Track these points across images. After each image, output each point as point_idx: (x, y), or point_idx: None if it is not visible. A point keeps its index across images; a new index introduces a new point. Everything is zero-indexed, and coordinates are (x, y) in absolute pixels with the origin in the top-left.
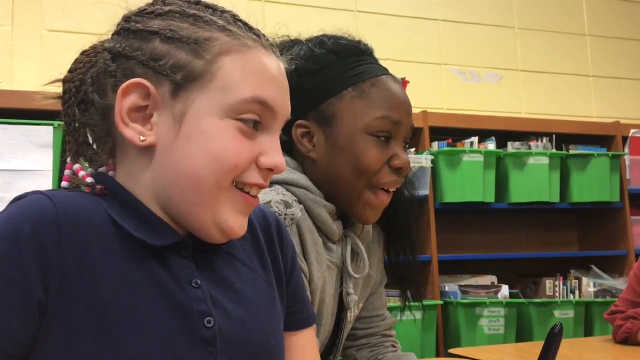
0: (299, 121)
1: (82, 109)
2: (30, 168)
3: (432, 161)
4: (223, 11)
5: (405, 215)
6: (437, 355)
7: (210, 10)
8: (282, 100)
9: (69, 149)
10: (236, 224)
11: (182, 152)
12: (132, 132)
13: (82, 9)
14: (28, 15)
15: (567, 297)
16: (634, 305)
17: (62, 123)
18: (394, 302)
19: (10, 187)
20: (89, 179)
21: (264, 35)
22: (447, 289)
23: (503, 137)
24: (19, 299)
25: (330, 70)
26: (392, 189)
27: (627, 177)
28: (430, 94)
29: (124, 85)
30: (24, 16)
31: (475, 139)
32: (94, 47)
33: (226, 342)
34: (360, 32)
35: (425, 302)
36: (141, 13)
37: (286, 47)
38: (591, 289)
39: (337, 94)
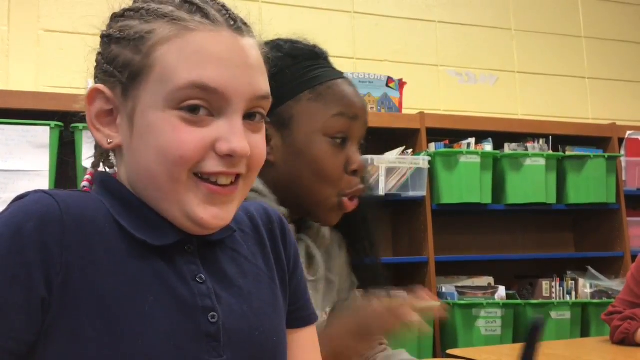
0: None
1: None
2: (27, 168)
3: (430, 162)
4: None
5: (363, 215)
6: (435, 356)
7: (180, 2)
8: (233, 79)
9: (95, 155)
10: (206, 214)
11: (137, 150)
12: (101, 135)
13: (78, 9)
14: (24, 16)
15: (563, 298)
16: (632, 305)
17: (58, 124)
18: None
19: (7, 188)
20: (85, 183)
21: (221, 11)
22: (444, 290)
23: (500, 138)
24: (22, 297)
25: (287, 74)
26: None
27: (624, 178)
28: (427, 96)
29: (87, 92)
30: (20, 16)
31: (472, 140)
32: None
33: (230, 338)
34: (357, 33)
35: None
36: (112, 17)
37: None
38: (588, 290)
39: (294, 97)
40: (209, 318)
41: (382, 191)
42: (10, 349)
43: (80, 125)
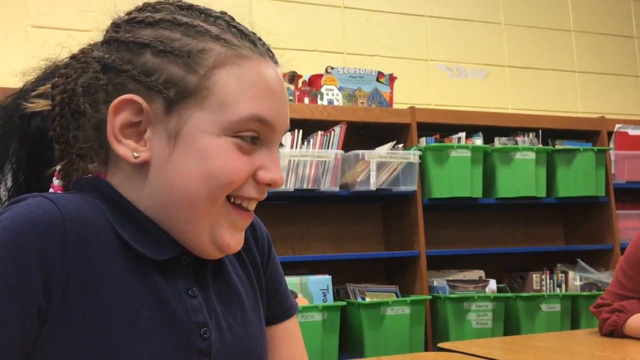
0: None
1: (75, 117)
2: None
3: (420, 157)
4: (217, 17)
5: None
6: (426, 350)
7: (204, 16)
8: (280, 113)
9: (61, 157)
10: (232, 240)
11: (177, 169)
12: (126, 149)
13: (67, 5)
14: (13, 12)
15: (553, 290)
16: (620, 297)
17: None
18: (383, 297)
19: None
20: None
21: (259, 40)
22: (435, 284)
23: (490, 132)
24: (20, 307)
25: None
26: None
27: (613, 171)
28: (418, 90)
29: (115, 102)
30: (9, 12)
31: (462, 134)
32: (84, 52)
33: (219, 352)
34: (347, 28)
35: (414, 297)
36: (131, 21)
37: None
38: (577, 283)
39: None
40: (202, 333)
41: (372, 186)
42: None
43: None
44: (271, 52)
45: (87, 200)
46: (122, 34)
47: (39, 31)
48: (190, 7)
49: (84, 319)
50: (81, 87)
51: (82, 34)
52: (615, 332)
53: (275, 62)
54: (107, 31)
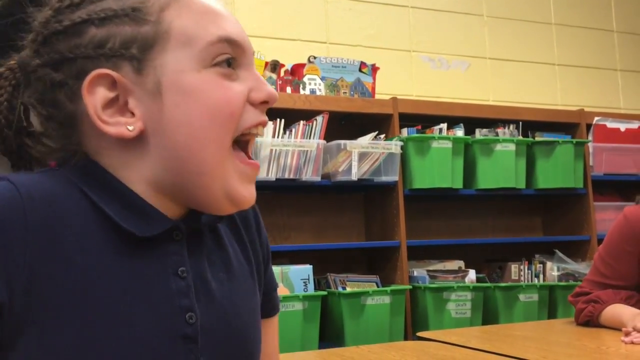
0: None
1: (19, 133)
2: None
3: (402, 147)
4: None
5: None
6: (406, 339)
7: None
8: (241, 32)
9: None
10: (246, 192)
11: (175, 121)
12: (116, 127)
13: None
14: None
15: (531, 281)
16: (599, 286)
17: None
18: (363, 287)
19: None
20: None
21: None
22: (415, 274)
23: (471, 124)
24: None
25: None
26: None
27: (591, 164)
28: (400, 81)
29: (85, 83)
30: None
31: (444, 125)
32: (10, 68)
33: (207, 338)
34: (330, 18)
35: (394, 287)
36: (58, 11)
37: None
38: (555, 273)
39: None
40: (187, 318)
41: (354, 176)
42: None
43: None
44: None
45: (59, 177)
46: (55, 26)
47: None
48: None
49: (58, 308)
50: (33, 99)
51: None
52: (591, 322)
53: None
54: (37, 34)
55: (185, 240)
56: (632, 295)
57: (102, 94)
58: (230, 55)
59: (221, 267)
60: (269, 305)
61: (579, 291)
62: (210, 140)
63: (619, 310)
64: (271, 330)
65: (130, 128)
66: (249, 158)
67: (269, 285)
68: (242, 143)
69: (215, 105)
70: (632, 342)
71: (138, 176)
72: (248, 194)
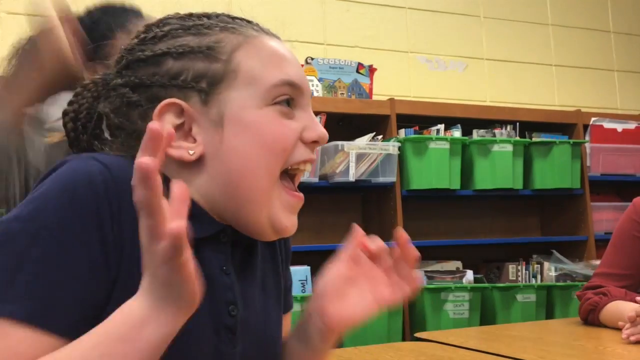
0: None
1: (91, 142)
2: None
3: (399, 148)
4: (217, 15)
5: None
6: (404, 340)
7: (205, 18)
8: (302, 76)
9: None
10: (289, 222)
11: (232, 150)
12: (180, 150)
13: None
14: None
15: (529, 281)
16: (607, 277)
17: None
18: None
19: None
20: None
21: (257, 24)
22: None
23: (468, 124)
24: (89, 257)
25: None
26: None
27: (588, 164)
28: (398, 82)
29: (157, 109)
30: None
31: (441, 126)
32: (94, 81)
33: (243, 331)
34: (327, 19)
35: None
36: (143, 41)
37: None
38: (552, 274)
39: None
40: (230, 310)
41: (352, 177)
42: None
43: None
44: (270, 30)
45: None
46: (138, 54)
47: (12, 18)
48: (191, 15)
49: (134, 275)
50: (108, 110)
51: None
52: (592, 312)
53: (279, 38)
54: (121, 58)
55: (230, 242)
56: None
57: (170, 119)
58: (289, 96)
59: (256, 266)
60: (285, 303)
61: (588, 285)
62: (261, 168)
63: (621, 307)
64: (286, 327)
65: (191, 152)
66: (295, 191)
67: (286, 284)
68: (290, 176)
69: (271, 138)
70: (629, 339)
71: (193, 190)
72: (290, 224)
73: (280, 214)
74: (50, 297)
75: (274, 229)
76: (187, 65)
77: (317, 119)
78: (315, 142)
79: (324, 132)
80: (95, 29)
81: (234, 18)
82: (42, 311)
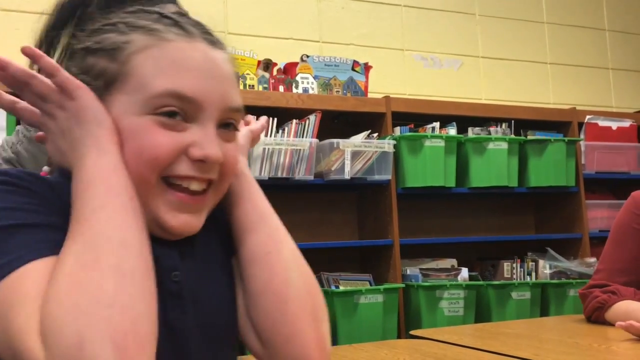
0: None
1: None
2: None
3: (395, 146)
4: (154, 12)
5: None
6: (399, 337)
7: (141, 12)
8: (207, 89)
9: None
10: (175, 222)
11: (122, 153)
12: None
13: None
14: None
15: (524, 279)
16: (608, 272)
17: None
18: (356, 285)
19: None
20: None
21: (199, 27)
22: (408, 272)
23: (464, 122)
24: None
25: None
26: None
27: (583, 162)
28: (393, 80)
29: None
30: None
31: (436, 124)
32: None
33: (193, 299)
34: (323, 17)
35: (387, 286)
36: (88, 32)
37: None
38: (547, 271)
39: None
40: (172, 277)
41: (347, 175)
42: None
43: None
44: (213, 37)
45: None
46: (75, 46)
47: (6, 14)
48: (133, 10)
49: None
50: None
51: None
52: (599, 310)
53: (212, 44)
54: (68, 45)
55: None
56: None
57: None
58: (175, 108)
59: (193, 244)
60: None
61: (593, 284)
62: (134, 173)
63: (634, 307)
64: None
65: None
66: (182, 192)
67: None
68: (175, 185)
69: (140, 146)
70: (629, 329)
71: None
72: (177, 223)
73: (163, 214)
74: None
75: (160, 228)
76: (94, 62)
77: (214, 140)
78: (202, 162)
79: (212, 154)
80: None
81: (168, 17)
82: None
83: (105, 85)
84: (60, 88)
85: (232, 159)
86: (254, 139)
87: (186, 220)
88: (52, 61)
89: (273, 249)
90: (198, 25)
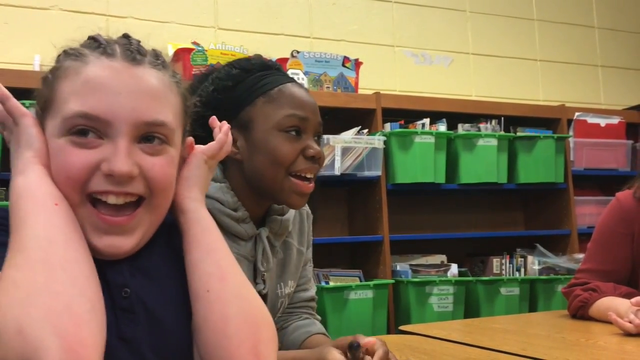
0: None
1: None
2: None
3: (385, 142)
4: (100, 40)
5: None
6: (388, 333)
7: (89, 40)
8: (113, 105)
9: None
10: (100, 243)
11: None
12: None
13: None
14: None
15: (513, 275)
16: (592, 273)
17: None
18: (346, 281)
19: None
20: None
21: (126, 47)
22: (398, 268)
23: (454, 119)
24: None
25: (242, 85)
26: (309, 175)
27: (572, 158)
28: (383, 76)
29: None
30: None
31: (427, 120)
32: None
33: (144, 309)
34: (314, 13)
35: (377, 282)
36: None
37: (211, 71)
38: (536, 267)
39: (250, 103)
40: (123, 293)
41: (337, 171)
42: None
43: (27, 102)
44: (132, 52)
45: None
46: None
47: None
48: (90, 38)
49: None
50: None
51: (40, 12)
52: (582, 310)
53: (133, 61)
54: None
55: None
56: (632, 292)
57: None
58: (84, 127)
59: (143, 262)
60: None
61: (574, 282)
62: (63, 193)
63: (615, 302)
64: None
65: None
66: (106, 214)
67: None
68: (99, 201)
69: (58, 168)
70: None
71: None
72: (101, 245)
73: (90, 236)
74: None
75: (92, 249)
76: (40, 90)
77: (123, 154)
78: (109, 176)
79: (117, 168)
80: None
81: (98, 40)
82: None
83: (42, 110)
84: (9, 114)
85: (159, 172)
86: (215, 157)
87: (112, 242)
88: (4, 90)
89: (212, 286)
90: (127, 45)
